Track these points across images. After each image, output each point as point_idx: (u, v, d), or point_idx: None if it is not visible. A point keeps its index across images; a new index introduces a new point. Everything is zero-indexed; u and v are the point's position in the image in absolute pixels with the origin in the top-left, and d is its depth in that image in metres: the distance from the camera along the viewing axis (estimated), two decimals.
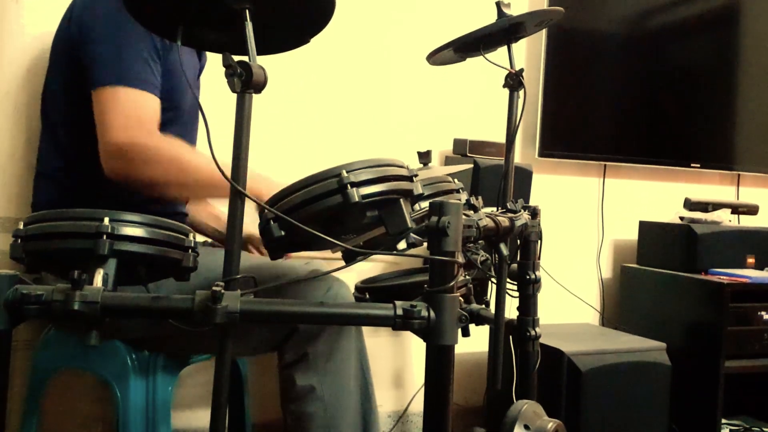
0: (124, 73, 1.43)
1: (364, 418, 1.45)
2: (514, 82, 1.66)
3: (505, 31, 1.63)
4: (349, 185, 1.06)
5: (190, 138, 1.69)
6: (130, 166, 1.41)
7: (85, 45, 1.48)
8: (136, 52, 1.45)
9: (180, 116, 1.60)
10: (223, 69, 0.98)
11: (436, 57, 1.69)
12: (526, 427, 1.36)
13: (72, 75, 1.52)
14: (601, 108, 2.75)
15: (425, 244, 1.07)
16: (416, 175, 1.18)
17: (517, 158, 2.00)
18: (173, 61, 1.54)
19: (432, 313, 1.01)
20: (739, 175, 3.07)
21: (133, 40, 1.45)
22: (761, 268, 2.58)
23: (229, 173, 1.00)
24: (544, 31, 2.52)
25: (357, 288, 1.75)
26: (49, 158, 1.59)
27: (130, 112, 1.42)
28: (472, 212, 1.29)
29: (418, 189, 1.16)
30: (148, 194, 1.45)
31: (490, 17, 1.59)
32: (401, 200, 1.13)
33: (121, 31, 1.45)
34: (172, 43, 1.51)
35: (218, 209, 1.87)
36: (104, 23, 1.47)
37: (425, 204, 1.22)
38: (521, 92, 1.67)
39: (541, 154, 2.57)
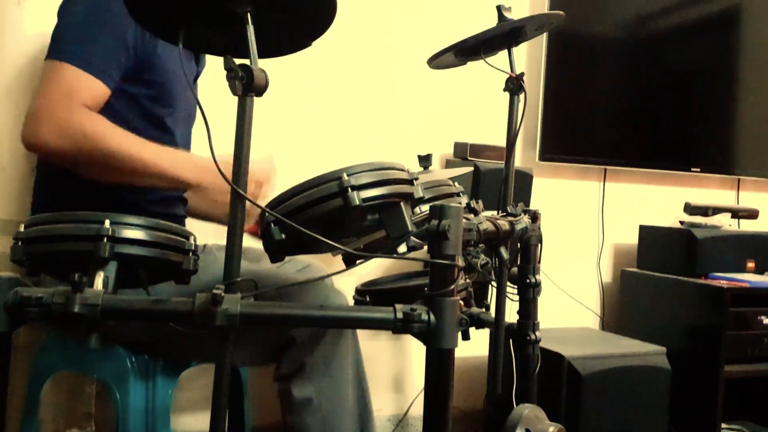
0: (82, 53, 1.41)
1: (362, 427, 1.45)
2: (514, 86, 1.66)
3: (505, 35, 1.63)
4: (349, 188, 1.05)
5: (183, 141, 1.69)
6: (39, 133, 1.37)
7: (59, 21, 1.49)
8: (105, 39, 1.43)
9: (173, 119, 1.60)
10: (224, 72, 0.98)
11: (437, 61, 1.69)
12: (528, 431, 1.36)
13: None
14: (601, 112, 2.76)
15: (425, 247, 1.07)
16: (417, 179, 1.18)
17: (518, 162, 2.00)
18: (166, 66, 1.53)
19: (432, 317, 1.01)
20: (739, 179, 3.07)
21: (104, 29, 1.44)
22: (761, 273, 2.58)
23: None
24: (544, 36, 2.53)
25: (357, 291, 1.75)
26: (48, 160, 1.58)
27: (67, 87, 1.39)
28: (472, 216, 1.29)
29: (418, 192, 1.16)
30: (65, 168, 1.43)
31: (490, 21, 1.59)
32: (402, 203, 1.13)
33: (98, 17, 1.44)
34: (159, 45, 1.51)
35: None
36: (83, 8, 1.47)
37: (426, 207, 1.22)
38: (522, 96, 1.67)
39: (542, 158, 2.57)
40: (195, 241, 1.13)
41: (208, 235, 1.93)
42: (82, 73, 1.41)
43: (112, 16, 1.42)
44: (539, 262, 1.64)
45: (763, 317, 2.42)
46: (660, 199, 2.89)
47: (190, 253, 1.11)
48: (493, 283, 1.58)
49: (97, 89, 1.43)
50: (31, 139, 1.38)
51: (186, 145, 1.69)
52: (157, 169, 1.40)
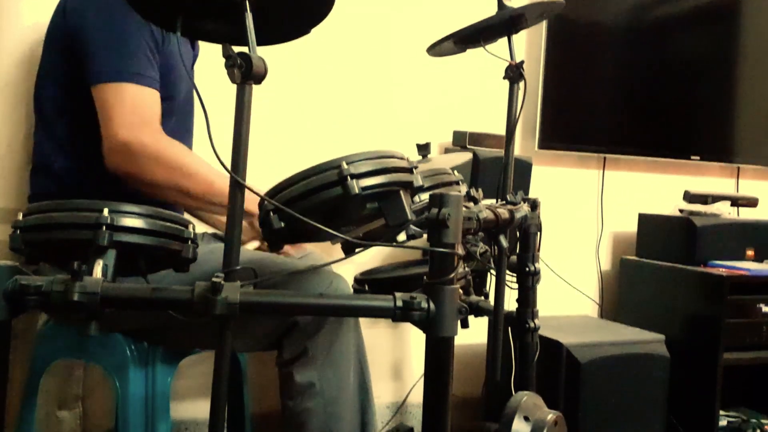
0: (127, 68, 1.43)
1: (363, 412, 1.45)
2: (514, 74, 1.66)
3: (505, 23, 1.63)
4: (349, 177, 1.05)
5: (185, 128, 1.69)
6: (132, 164, 1.42)
7: (81, 35, 1.47)
8: (136, 45, 1.45)
9: (175, 107, 1.60)
10: (223, 60, 0.98)
11: (437, 48, 1.68)
12: (526, 418, 1.36)
13: (67, 65, 1.51)
14: (601, 100, 2.75)
15: (425, 235, 1.07)
16: (416, 167, 1.18)
17: (517, 150, 2.00)
18: (168, 52, 1.53)
19: (432, 305, 1.01)
20: (738, 167, 3.06)
21: (132, 32, 1.45)
22: (760, 261, 2.58)
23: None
24: (544, 23, 2.52)
25: (356, 280, 1.75)
26: (45, 149, 1.58)
27: (135, 109, 1.43)
28: (471, 204, 1.29)
29: (418, 181, 1.16)
30: (143, 191, 1.46)
31: (490, 9, 1.59)
32: (401, 192, 1.13)
33: (120, 22, 1.44)
34: (168, 34, 1.51)
35: None
36: (101, 13, 1.46)
37: (425, 196, 1.22)
38: (521, 84, 1.66)
39: (541, 146, 2.57)
40: (194, 229, 1.13)
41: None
42: (142, 89, 1.45)
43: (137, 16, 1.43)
44: (538, 250, 1.64)
45: (762, 305, 2.42)
46: (659, 187, 2.89)
47: (189, 242, 1.11)
48: (493, 272, 1.59)
49: (157, 100, 1.48)
50: (127, 170, 1.43)
51: (188, 134, 1.69)
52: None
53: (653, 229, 2.69)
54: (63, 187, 1.55)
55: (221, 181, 1.44)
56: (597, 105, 2.74)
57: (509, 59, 1.65)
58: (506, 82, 1.68)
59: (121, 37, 1.44)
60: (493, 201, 1.58)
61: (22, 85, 1.87)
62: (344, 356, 1.43)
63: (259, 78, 0.99)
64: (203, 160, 1.47)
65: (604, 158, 2.80)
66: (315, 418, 1.40)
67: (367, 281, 1.71)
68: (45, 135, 1.58)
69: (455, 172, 1.51)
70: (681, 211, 2.65)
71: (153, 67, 1.48)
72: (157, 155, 1.42)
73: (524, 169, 2.36)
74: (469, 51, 1.74)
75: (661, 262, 2.59)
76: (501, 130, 1.76)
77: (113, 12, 1.44)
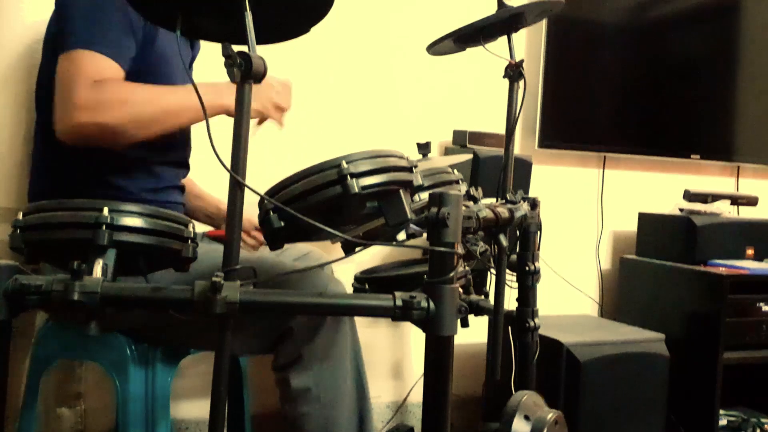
0: (90, 38, 1.41)
1: (360, 416, 1.45)
2: (514, 72, 1.66)
3: (505, 22, 1.62)
4: (348, 176, 1.05)
5: (185, 128, 1.69)
6: (73, 118, 1.36)
7: (63, 16, 1.47)
8: (109, 23, 1.43)
9: None
10: (222, 59, 0.98)
11: (436, 47, 1.68)
12: (526, 417, 1.36)
13: None
14: (601, 99, 2.75)
15: (425, 234, 1.07)
16: (416, 166, 1.17)
17: (517, 149, 2.00)
18: (163, 49, 1.53)
19: (431, 304, 1.01)
20: (738, 166, 3.06)
21: (110, 13, 1.43)
22: (760, 260, 2.58)
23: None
24: (544, 22, 2.52)
25: (356, 279, 1.75)
26: (44, 148, 1.58)
27: (83, 71, 1.39)
28: (471, 203, 1.29)
29: (417, 180, 1.16)
30: (106, 145, 1.43)
31: (490, 7, 1.59)
32: (401, 191, 1.13)
33: (99, 3, 1.44)
34: (160, 34, 1.51)
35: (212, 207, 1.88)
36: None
37: (425, 195, 1.22)
38: (521, 83, 1.66)
39: (541, 145, 2.57)
40: (194, 228, 1.13)
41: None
42: (99, 56, 1.41)
43: (117, 4, 1.42)
44: (538, 249, 1.64)
45: (762, 304, 2.42)
46: (659, 186, 2.89)
47: (189, 241, 1.11)
48: (492, 271, 1.59)
49: (114, 69, 1.43)
50: (67, 126, 1.38)
51: (184, 133, 1.69)
52: (185, 104, 1.43)
53: (653, 228, 2.69)
54: (63, 186, 1.55)
55: (174, 95, 1.43)
56: (597, 104, 2.74)
57: (509, 58, 1.65)
58: (506, 81, 1.68)
59: (100, 12, 1.43)
60: (493, 200, 1.58)
61: (22, 85, 1.87)
62: (340, 360, 1.42)
63: (259, 77, 0.99)
64: (145, 85, 1.44)
65: (604, 157, 2.80)
66: (312, 423, 1.40)
67: (367, 280, 1.71)
68: (45, 135, 1.58)
69: (455, 171, 1.51)
70: (681, 210, 2.65)
71: (125, 47, 1.45)
72: (97, 99, 1.37)
73: (524, 168, 2.36)
74: (468, 50, 1.74)
75: (661, 261, 2.59)
76: (501, 129, 1.75)
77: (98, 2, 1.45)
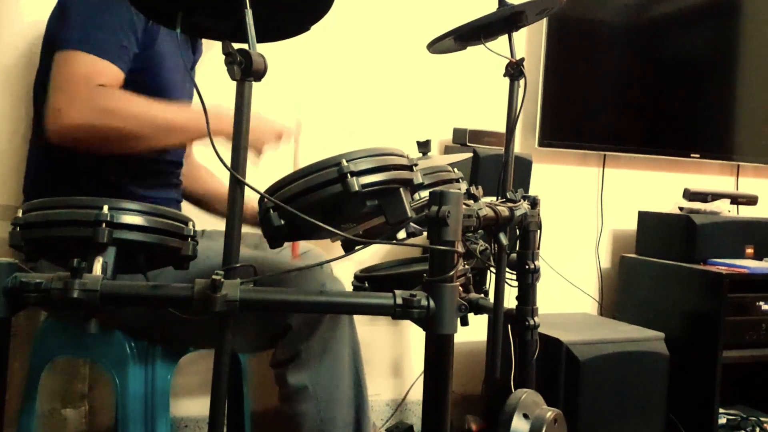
0: (89, 40, 1.40)
1: (357, 415, 1.44)
2: (514, 71, 1.66)
3: (505, 20, 1.63)
4: (349, 174, 1.05)
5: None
6: (63, 118, 1.36)
7: (63, 14, 1.47)
8: (109, 24, 1.43)
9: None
10: (223, 57, 0.98)
11: (437, 46, 1.68)
12: (526, 416, 1.36)
13: None
14: (601, 98, 2.75)
15: (425, 233, 1.07)
16: (416, 165, 1.17)
17: (517, 148, 2.00)
18: (163, 49, 1.52)
19: (431, 303, 1.01)
20: (738, 165, 3.06)
21: (109, 14, 1.43)
22: (760, 259, 2.58)
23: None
24: (545, 21, 2.51)
25: (356, 277, 1.75)
26: (41, 146, 1.58)
27: (81, 73, 1.38)
28: (471, 202, 1.29)
29: (418, 178, 1.16)
30: (100, 152, 1.42)
31: (491, 6, 1.58)
32: (401, 189, 1.13)
33: (99, 2, 1.43)
34: (162, 32, 1.50)
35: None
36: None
37: (425, 193, 1.22)
38: (522, 81, 1.66)
39: (541, 144, 2.57)
40: (194, 226, 1.13)
41: (206, 220, 1.93)
42: (97, 59, 1.40)
43: (118, 1, 1.41)
44: (538, 248, 1.64)
45: (761, 303, 2.42)
46: (659, 185, 2.89)
47: (189, 239, 1.11)
48: (492, 269, 1.59)
49: (113, 73, 1.42)
50: (56, 126, 1.37)
51: None
52: (179, 124, 1.42)
53: (653, 227, 2.69)
54: (59, 184, 1.54)
55: (173, 114, 1.42)
56: (597, 102, 2.74)
57: (509, 56, 1.65)
58: (506, 80, 1.68)
59: (99, 13, 1.42)
60: (493, 198, 1.58)
61: (21, 83, 1.87)
62: (338, 359, 1.42)
63: (259, 75, 0.99)
64: (144, 98, 1.42)
65: (604, 156, 2.80)
66: (309, 421, 1.40)
67: (367, 278, 1.71)
68: (41, 132, 1.58)
69: (455, 169, 1.51)
70: (681, 208, 2.64)
71: (124, 49, 1.44)
72: (91, 104, 1.36)
73: (524, 167, 2.36)
74: (469, 48, 1.74)
75: (661, 259, 2.59)
76: (501, 127, 1.75)
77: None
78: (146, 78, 1.49)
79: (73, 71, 1.38)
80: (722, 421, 2.46)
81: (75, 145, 1.39)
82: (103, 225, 1.01)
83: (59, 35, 1.44)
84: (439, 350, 1.03)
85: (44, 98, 1.42)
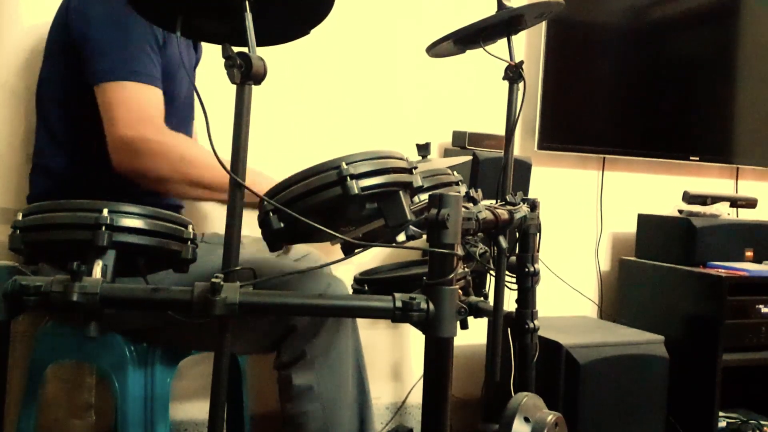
0: (130, 67, 1.43)
1: (361, 415, 1.45)
2: (513, 74, 1.66)
3: (505, 23, 1.62)
4: (348, 177, 1.05)
5: (186, 129, 1.69)
6: (137, 160, 1.42)
7: (84, 35, 1.47)
8: (139, 44, 1.45)
9: (175, 107, 1.60)
10: (222, 60, 0.98)
11: (436, 49, 1.68)
12: (526, 419, 1.36)
13: (69, 65, 1.51)
14: (600, 101, 2.75)
15: (424, 236, 1.07)
16: (416, 168, 1.17)
17: (517, 151, 2.00)
18: (170, 53, 1.53)
19: (431, 306, 1.01)
20: (738, 168, 3.06)
21: (135, 32, 1.45)
22: (759, 262, 2.58)
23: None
24: (544, 24, 2.52)
25: (356, 280, 1.75)
26: (45, 149, 1.58)
27: (138, 107, 1.43)
28: (471, 205, 1.29)
29: (417, 181, 1.16)
30: (152, 188, 1.46)
31: (490, 9, 1.59)
32: (401, 192, 1.12)
33: (123, 22, 1.44)
34: (171, 35, 1.51)
35: None
36: (105, 13, 1.46)
37: (425, 196, 1.22)
38: (521, 85, 1.66)
39: (541, 147, 2.57)
40: (193, 229, 1.13)
41: (206, 224, 1.94)
42: (145, 87, 1.44)
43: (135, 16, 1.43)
44: (538, 251, 1.64)
45: (761, 306, 2.42)
46: (659, 188, 2.89)
47: (189, 242, 1.11)
48: (492, 272, 1.59)
49: (160, 98, 1.48)
50: (133, 167, 1.43)
51: (188, 134, 1.69)
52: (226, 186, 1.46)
53: (652, 230, 2.69)
54: (63, 187, 1.55)
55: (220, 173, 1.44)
56: (596, 105, 2.74)
57: (509, 60, 1.65)
58: (506, 83, 1.68)
59: (123, 35, 1.44)
60: (493, 201, 1.58)
61: (21, 84, 1.87)
62: (342, 359, 1.43)
63: (259, 78, 0.99)
64: (208, 152, 1.46)
65: (604, 159, 2.81)
66: (313, 421, 1.40)
67: (367, 281, 1.70)
68: (46, 135, 1.58)
69: (455, 172, 1.51)
70: (680, 211, 2.65)
71: (155, 65, 1.48)
72: (160, 149, 1.42)
73: (524, 170, 2.36)
74: (468, 51, 1.74)
75: (661, 262, 2.59)
76: (500, 130, 1.75)
77: (116, 11, 1.44)
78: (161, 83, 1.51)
79: (128, 105, 1.43)
80: (722, 424, 2.45)
81: (146, 183, 1.46)
82: (103, 228, 1.01)
83: (97, 65, 1.45)
84: (438, 353, 1.03)
85: (51, 103, 1.43)
